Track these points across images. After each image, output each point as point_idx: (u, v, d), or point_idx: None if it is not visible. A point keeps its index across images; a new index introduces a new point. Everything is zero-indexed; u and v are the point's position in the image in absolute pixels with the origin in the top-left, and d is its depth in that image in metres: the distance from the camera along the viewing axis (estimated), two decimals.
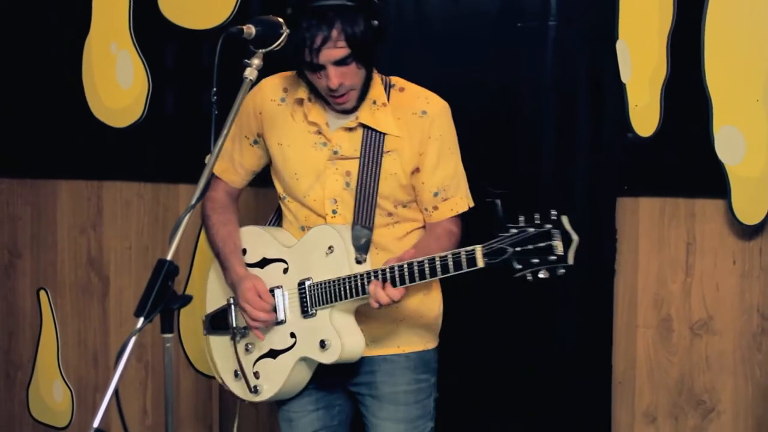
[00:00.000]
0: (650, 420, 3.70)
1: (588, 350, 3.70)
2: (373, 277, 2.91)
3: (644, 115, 3.57)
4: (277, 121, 3.15)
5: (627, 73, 3.57)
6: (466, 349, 3.70)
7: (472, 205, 3.17)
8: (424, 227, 3.20)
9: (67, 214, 4.85)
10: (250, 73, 2.74)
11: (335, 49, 2.89)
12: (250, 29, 2.73)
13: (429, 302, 3.23)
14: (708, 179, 3.51)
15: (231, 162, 3.27)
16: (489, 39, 3.68)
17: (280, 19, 2.82)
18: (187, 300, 2.45)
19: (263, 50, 2.77)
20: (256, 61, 2.75)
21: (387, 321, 3.16)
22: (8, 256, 5.06)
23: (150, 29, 4.47)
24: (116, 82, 4.57)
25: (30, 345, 5.02)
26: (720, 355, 3.60)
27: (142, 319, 2.38)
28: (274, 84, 3.19)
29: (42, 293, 4.94)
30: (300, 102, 3.12)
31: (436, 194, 3.12)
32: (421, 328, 3.23)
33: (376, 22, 2.93)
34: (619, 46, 3.58)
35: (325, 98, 3.06)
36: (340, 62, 2.91)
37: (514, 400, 3.76)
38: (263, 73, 2.82)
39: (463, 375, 3.73)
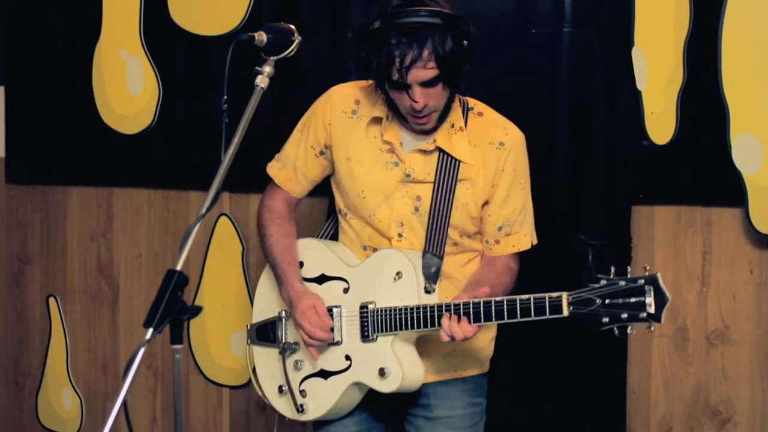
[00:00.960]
0: (665, 430, 3.66)
1: (602, 360, 3.66)
2: (444, 311, 2.83)
3: (660, 122, 3.54)
4: (347, 135, 3.06)
5: (643, 80, 3.54)
6: None
7: (535, 242, 3.11)
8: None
9: (77, 221, 4.84)
10: (262, 81, 2.70)
11: (425, 70, 2.80)
12: (261, 36, 2.70)
13: (486, 325, 3.12)
14: (725, 188, 3.48)
15: (294, 171, 3.18)
16: (503, 45, 3.65)
17: (292, 27, 2.78)
18: (196, 311, 2.41)
19: (275, 57, 2.74)
20: (268, 69, 2.71)
21: (444, 348, 3.07)
22: (18, 263, 5.05)
23: (160, 35, 4.46)
24: (126, 89, 4.55)
25: (39, 352, 5.01)
26: (736, 366, 3.57)
27: (151, 330, 2.34)
28: (345, 94, 3.10)
29: (51, 300, 4.93)
30: (377, 120, 3.03)
31: (500, 228, 3.05)
32: (477, 352, 3.17)
33: (465, 42, 2.84)
34: (635, 52, 3.55)
35: (401, 116, 2.97)
36: (428, 83, 2.83)
37: (526, 409, 3.73)
38: (274, 81, 2.78)
39: None
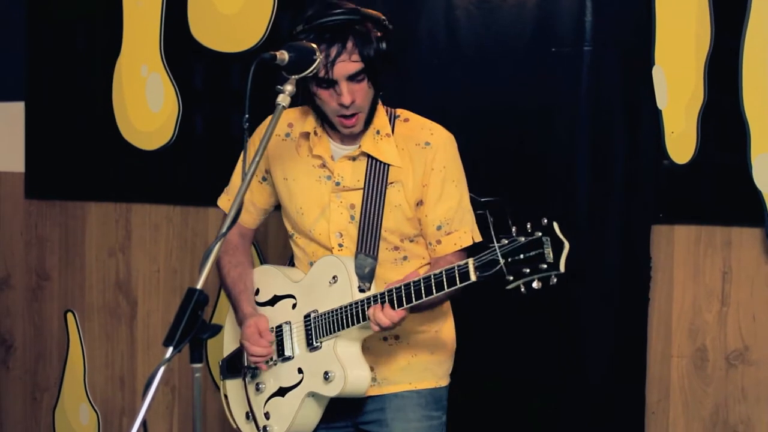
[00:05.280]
0: None
1: (621, 380, 3.65)
2: (372, 302, 2.88)
3: (680, 142, 3.53)
4: (282, 156, 3.14)
5: (663, 99, 3.54)
6: (495, 379, 3.66)
7: (478, 239, 3.10)
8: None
9: (95, 236, 4.85)
10: (283, 100, 2.70)
11: (350, 63, 2.89)
12: (283, 55, 2.70)
13: (442, 339, 3.20)
14: (745, 207, 3.46)
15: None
16: (523, 64, 3.65)
17: (314, 45, 2.80)
18: (216, 330, 2.41)
19: (296, 76, 2.74)
20: (289, 87, 2.71)
21: (399, 359, 3.14)
22: (36, 278, 5.06)
23: (181, 52, 4.48)
24: (146, 105, 4.57)
25: (57, 367, 5.01)
26: (756, 386, 3.54)
27: (171, 349, 2.33)
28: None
29: (69, 315, 4.94)
30: (306, 136, 3.10)
31: (438, 227, 3.07)
32: (434, 366, 3.19)
33: (385, 44, 2.94)
34: (656, 71, 3.54)
35: (331, 127, 3.04)
36: (353, 77, 2.91)
37: (544, 431, 3.71)
38: (295, 99, 2.78)
39: (490, 407, 3.69)
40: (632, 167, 3.59)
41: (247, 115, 2.64)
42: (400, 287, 2.84)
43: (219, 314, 4.37)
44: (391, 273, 3.07)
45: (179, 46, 4.47)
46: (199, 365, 2.42)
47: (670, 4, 3.53)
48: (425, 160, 3.04)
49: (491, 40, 3.69)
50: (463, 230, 3.09)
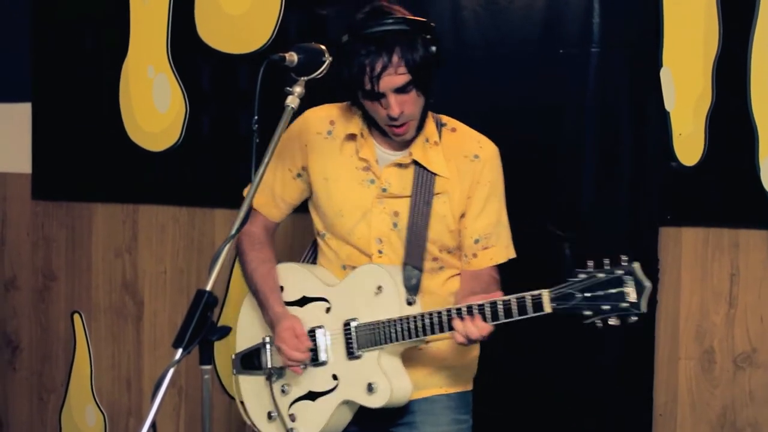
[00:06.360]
0: None
1: (629, 382, 3.65)
2: (427, 319, 2.84)
3: (688, 143, 3.53)
4: (323, 155, 3.07)
5: (671, 101, 3.53)
6: (504, 381, 3.65)
7: (512, 256, 3.10)
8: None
9: (102, 237, 4.85)
10: (292, 101, 2.70)
11: (396, 76, 2.83)
12: (292, 56, 2.69)
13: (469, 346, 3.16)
14: (753, 209, 3.46)
15: (272, 195, 3.17)
16: (530, 65, 3.65)
17: (323, 47, 2.78)
18: (225, 332, 2.42)
19: (305, 78, 2.73)
20: (298, 89, 2.71)
21: (430, 364, 3.10)
22: (43, 279, 5.06)
23: (187, 53, 4.48)
24: (153, 106, 4.57)
25: (63, 368, 5.02)
26: (763, 388, 3.54)
27: (180, 351, 2.34)
28: (319, 116, 3.11)
29: (76, 316, 4.94)
30: (352, 137, 3.05)
31: (476, 241, 3.05)
32: (462, 369, 3.18)
33: (434, 48, 2.87)
34: (663, 73, 3.54)
35: (379, 130, 3.00)
36: (401, 90, 2.85)
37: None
38: (303, 100, 2.77)
39: (499, 407, 3.68)
40: (639, 169, 3.58)
41: (256, 117, 2.63)
42: (460, 309, 2.80)
43: (225, 316, 4.36)
44: (427, 282, 3.03)
45: (186, 47, 4.48)
46: (208, 367, 2.42)
47: (678, 6, 3.53)
48: (473, 173, 3.01)
49: (499, 42, 3.70)
50: (500, 246, 3.08)
